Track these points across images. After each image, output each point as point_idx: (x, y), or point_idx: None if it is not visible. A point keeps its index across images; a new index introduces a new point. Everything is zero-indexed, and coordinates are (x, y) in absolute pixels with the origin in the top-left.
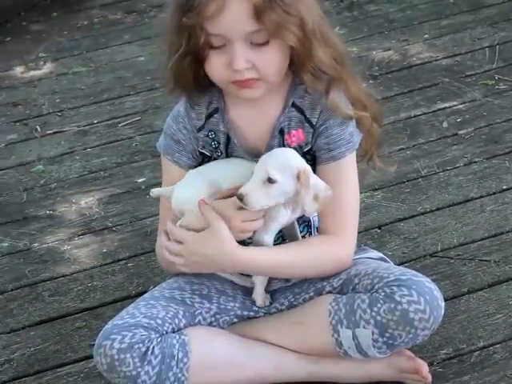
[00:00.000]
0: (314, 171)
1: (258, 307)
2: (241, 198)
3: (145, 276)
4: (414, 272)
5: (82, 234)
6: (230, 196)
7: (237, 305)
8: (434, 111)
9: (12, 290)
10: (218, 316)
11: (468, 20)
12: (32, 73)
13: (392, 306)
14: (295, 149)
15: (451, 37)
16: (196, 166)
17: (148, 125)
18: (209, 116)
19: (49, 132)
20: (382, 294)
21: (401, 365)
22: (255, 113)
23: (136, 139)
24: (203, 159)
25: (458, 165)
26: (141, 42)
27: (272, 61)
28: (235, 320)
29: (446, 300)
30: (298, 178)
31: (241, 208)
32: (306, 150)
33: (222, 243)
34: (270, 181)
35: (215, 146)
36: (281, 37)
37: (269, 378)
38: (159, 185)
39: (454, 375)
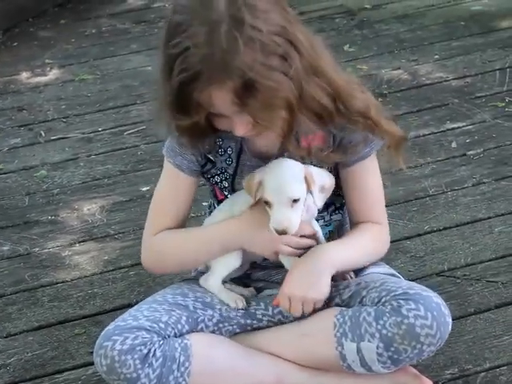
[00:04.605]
0: (336, 173)
1: (262, 314)
2: (285, 233)
3: (146, 285)
4: (422, 287)
5: (84, 241)
6: None
7: (240, 312)
8: (442, 131)
9: (11, 293)
10: (220, 325)
11: (479, 42)
12: (38, 78)
13: (398, 319)
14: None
15: (461, 58)
16: (198, 172)
17: (153, 134)
18: None
19: (53, 138)
20: (389, 307)
21: (406, 383)
22: None
23: (141, 148)
24: (206, 163)
25: (466, 185)
26: (149, 52)
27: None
28: (238, 330)
29: (452, 320)
30: (306, 180)
31: None
32: (325, 153)
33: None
34: (295, 201)
35: (221, 153)
36: (266, 127)
37: None
38: None
39: None
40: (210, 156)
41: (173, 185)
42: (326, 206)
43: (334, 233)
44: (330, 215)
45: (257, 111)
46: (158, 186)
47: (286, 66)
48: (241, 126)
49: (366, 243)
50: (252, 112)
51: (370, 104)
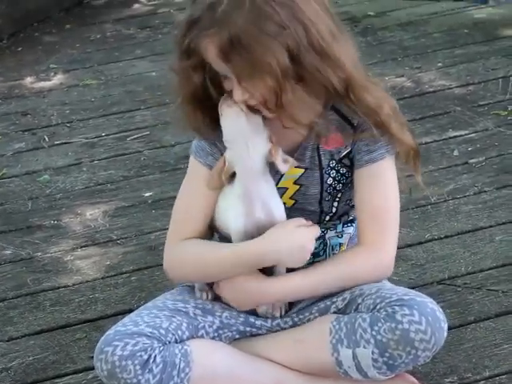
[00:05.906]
0: (351, 176)
1: (261, 324)
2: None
3: (147, 290)
4: (417, 293)
5: (86, 246)
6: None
7: (240, 320)
8: (445, 139)
9: (13, 297)
10: (220, 331)
11: (482, 50)
12: (42, 83)
13: (393, 325)
14: (331, 153)
15: (465, 66)
16: None
17: (157, 140)
18: None
19: (57, 142)
20: (384, 313)
21: None
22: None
23: (144, 153)
24: None
25: (467, 193)
26: (153, 58)
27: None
28: (237, 336)
29: (452, 328)
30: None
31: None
32: (344, 153)
33: (257, 290)
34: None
35: None
36: (250, 86)
37: None
38: (166, 199)
39: None
40: None
41: (202, 186)
42: (340, 215)
43: (344, 245)
44: (343, 226)
45: (240, 70)
46: (184, 189)
47: (281, 34)
48: (237, 91)
49: (334, 281)
50: (236, 71)
51: (384, 104)
